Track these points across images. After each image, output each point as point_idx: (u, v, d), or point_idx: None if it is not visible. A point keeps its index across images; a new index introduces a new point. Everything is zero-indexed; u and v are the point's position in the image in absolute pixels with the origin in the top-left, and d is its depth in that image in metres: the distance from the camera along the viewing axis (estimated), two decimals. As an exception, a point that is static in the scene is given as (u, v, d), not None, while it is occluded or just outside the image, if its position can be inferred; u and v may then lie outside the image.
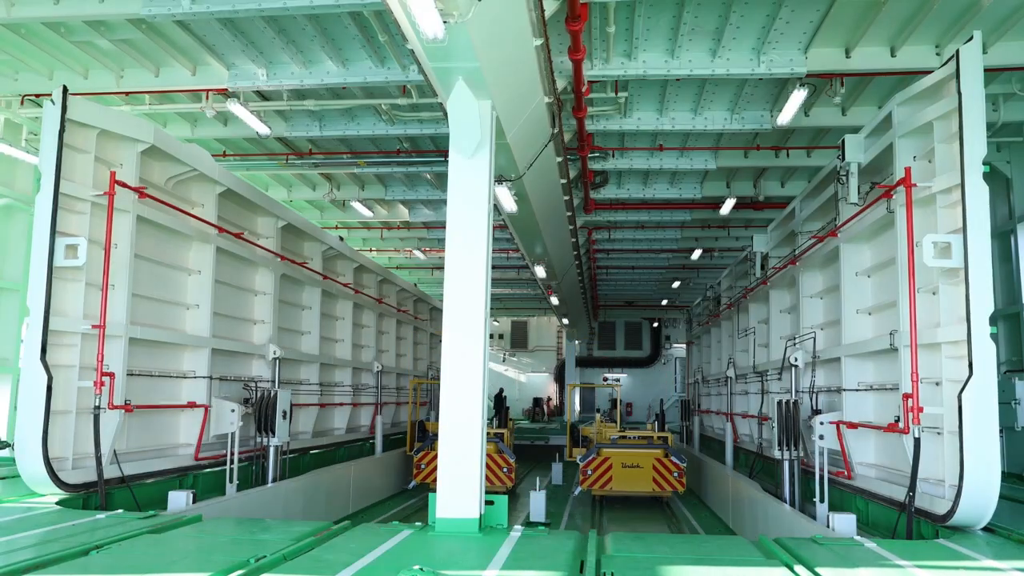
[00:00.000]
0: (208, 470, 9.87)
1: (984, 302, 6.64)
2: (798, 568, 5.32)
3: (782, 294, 12.89)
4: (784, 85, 11.61)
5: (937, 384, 7.25)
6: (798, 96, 10.80)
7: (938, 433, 7.22)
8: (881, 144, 8.48)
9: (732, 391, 15.80)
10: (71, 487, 7.72)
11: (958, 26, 9.59)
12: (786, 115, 11.41)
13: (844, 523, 7.49)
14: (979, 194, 6.78)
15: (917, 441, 7.04)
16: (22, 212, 14.12)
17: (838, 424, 9.06)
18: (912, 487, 7.08)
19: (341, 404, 14.96)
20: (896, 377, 7.90)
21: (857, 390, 9.18)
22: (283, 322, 12.53)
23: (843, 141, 8.84)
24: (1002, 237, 14.59)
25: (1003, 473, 12.78)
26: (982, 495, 6.53)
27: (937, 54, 10.13)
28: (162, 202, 9.19)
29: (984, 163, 6.80)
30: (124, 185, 8.47)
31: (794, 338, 11.30)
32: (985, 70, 10.84)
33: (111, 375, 8.09)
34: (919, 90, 7.88)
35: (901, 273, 7.71)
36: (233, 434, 9.79)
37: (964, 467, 6.48)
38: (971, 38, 7.09)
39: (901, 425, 7.30)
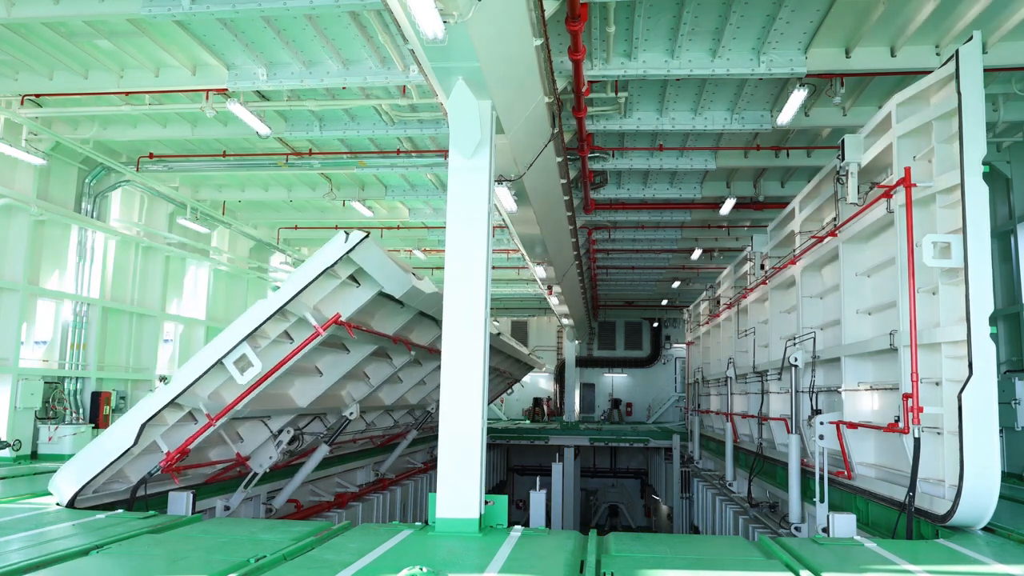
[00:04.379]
0: (208, 470, 9.85)
1: (984, 302, 6.64)
2: (804, 573, 5.29)
3: (782, 294, 12.88)
4: (784, 85, 11.61)
5: (937, 384, 7.24)
6: (798, 96, 10.79)
7: (938, 433, 7.21)
8: (881, 144, 8.48)
9: (732, 391, 15.80)
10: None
11: (958, 26, 9.59)
12: (786, 115, 11.41)
13: (844, 523, 7.49)
14: (979, 194, 6.77)
15: (917, 441, 7.04)
16: (22, 212, 14.13)
17: (838, 424, 9.05)
18: (912, 487, 7.08)
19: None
20: (896, 377, 7.90)
21: (857, 390, 9.18)
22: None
23: (843, 141, 8.84)
24: (1002, 237, 14.58)
25: (1003, 473, 12.77)
26: (982, 495, 6.52)
27: (937, 54, 10.13)
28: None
29: (984, 163, 6.80)
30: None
31: (794, 338, 11.29)
32: (985, 70, 10.83)
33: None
34: (919, 90, 7.88)
35: (901, 273, 7.70)
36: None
37: (964, 467, 6.48)
38: (971, 38, 7.09)
39: (901, 425, 7.30)
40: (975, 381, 6.51)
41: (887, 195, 8.13)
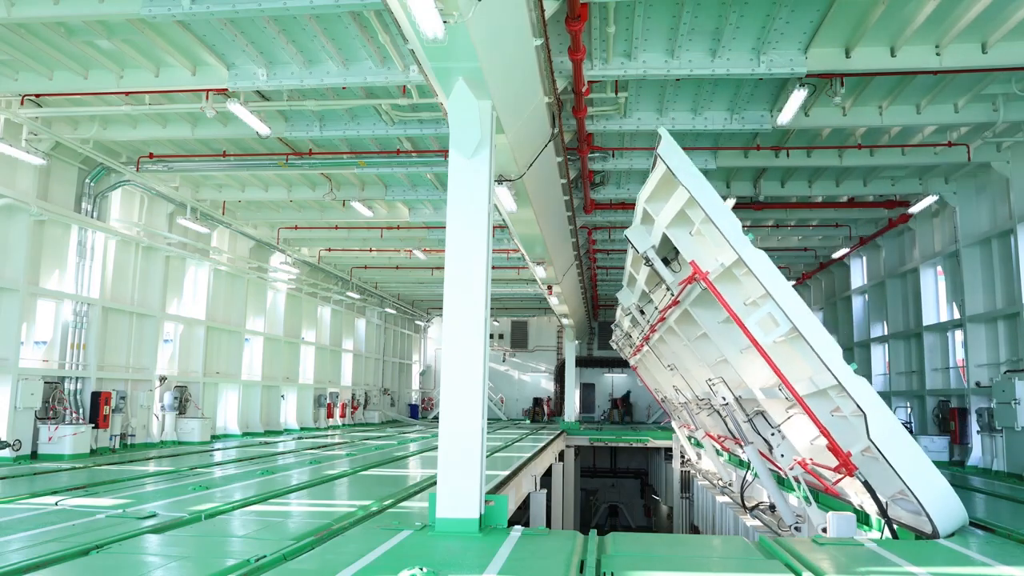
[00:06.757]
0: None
1: (830, 349, 6.61)
2: (805, 574, 5.27)
3: (674, 337, 12.23)
4: (784, 85, 11.60)
5: (844, 418, 7.13)
6: (798, 96, 10.79)
7: (874, 458, 7.12)
8: (657, 232, 8.47)
9: (693, 412, 15.44)
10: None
11: (958, 26, 9.59)
12: (786, 115, 11.41)
13: (844, 523, 7.45)
14: (761, 261, 6.84)
15: (865, 483, 6.99)
16: (22, 212, 14.11)
17: (801, 462, 8.78)
18: (883, 513, 7.04)
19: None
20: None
21: (790, 417, 8.65)
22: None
23: (627, 236, 9.00)
24: (1002, 237, 14.58)
25: (1003, 473, 12.78)
26: (947, 507, 6.52)
27: (937, 54, 10.13)
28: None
29: (744, 231, 6.90)
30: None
31: (710, 379, 11.03)
32: (985, 70, 10.83)
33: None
34: (652, 188, 8.03)
35: (748, 345, 7.62)
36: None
37: (916, 495, 6.43)
38: (660, 138, 7.36)
39: (844, 471, 7.24)
40: (872, 418, 6.47)
41: (690, 281, 8.16)
